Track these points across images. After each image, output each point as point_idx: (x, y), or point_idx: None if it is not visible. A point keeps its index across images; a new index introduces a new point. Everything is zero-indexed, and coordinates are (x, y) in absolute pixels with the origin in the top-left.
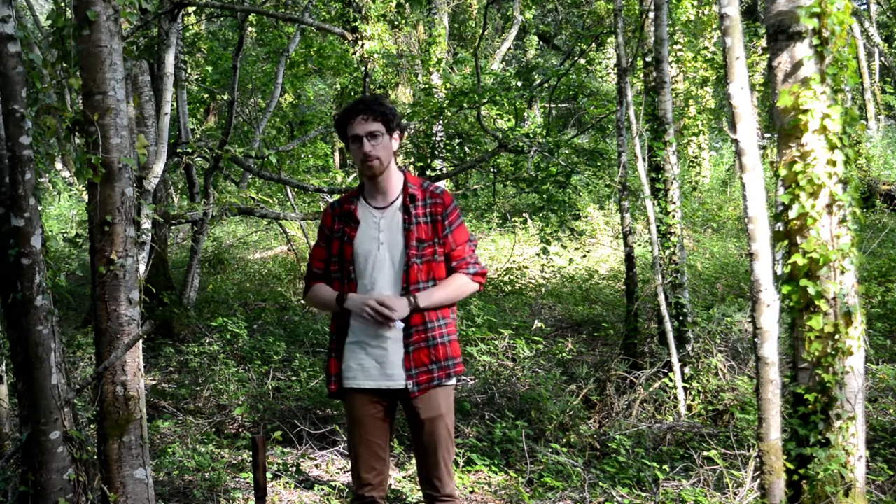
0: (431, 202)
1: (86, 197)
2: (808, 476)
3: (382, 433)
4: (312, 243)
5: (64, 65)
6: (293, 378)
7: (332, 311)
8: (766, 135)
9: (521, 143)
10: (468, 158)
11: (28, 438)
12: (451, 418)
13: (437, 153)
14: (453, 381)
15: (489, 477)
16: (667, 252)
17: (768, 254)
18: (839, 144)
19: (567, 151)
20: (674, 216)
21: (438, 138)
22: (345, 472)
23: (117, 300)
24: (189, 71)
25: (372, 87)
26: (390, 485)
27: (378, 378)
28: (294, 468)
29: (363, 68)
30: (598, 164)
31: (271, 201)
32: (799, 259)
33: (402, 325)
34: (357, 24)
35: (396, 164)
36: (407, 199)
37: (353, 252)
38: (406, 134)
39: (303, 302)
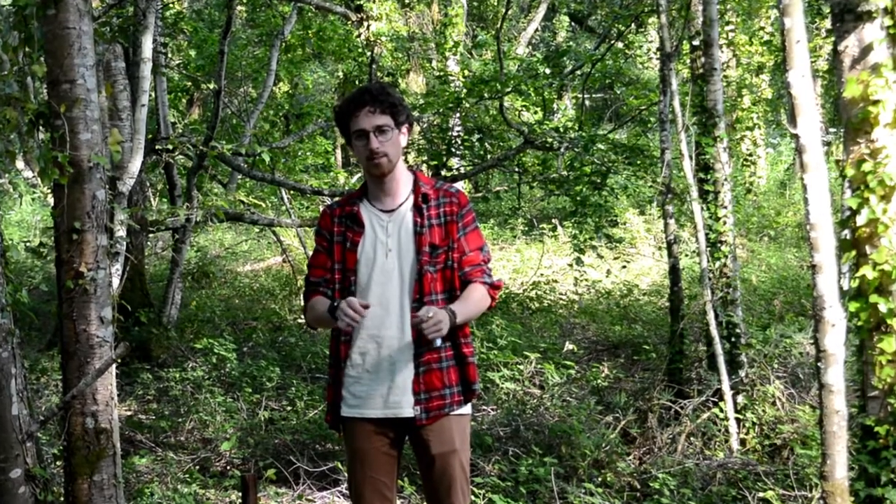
0: (445, 202)
1: (51, 200)
2: None
3: (388, 469)
4: (311, 253)
5: (27, 49)
6: (289, 408)
7: (329, 325)
8: (831, 129)
9: (549, 139)
10: (489, 156)
11: None
12: (467, 454)
13: (453, 150)
14: (468, 409)
15: None
16: (717, 264)
17: (833, 266)
18: None
19: (603, 148)
20: (725, 222)
21: (455, 133)
22: None
23: (87, 319)
24: (170, 56)
25: (379, 74)
26: None
27: (382, 406)
28: None
29: (369, 53)
30: (639, 162)
31: (264, 205)
32: (868, 272)
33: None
34: (362, 2)
35: (406, 161)
36: (419, 200)
37: (357, 260)
38: (417, 128)
39: (302, 321)
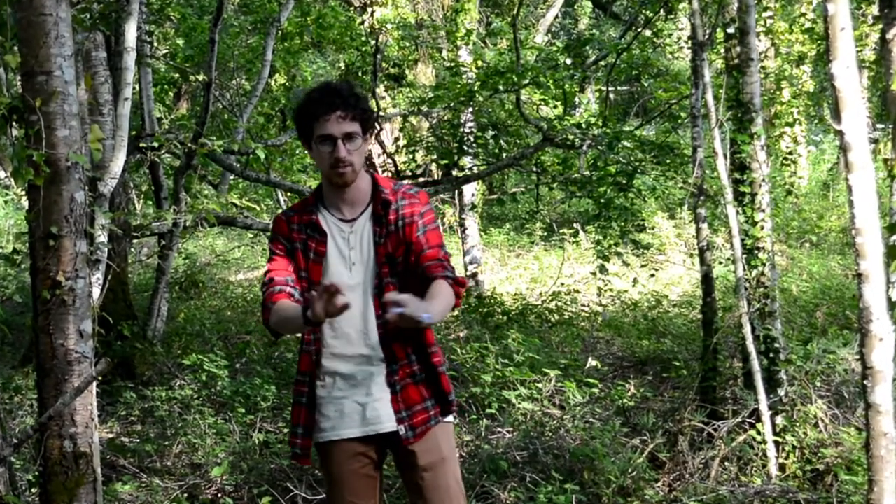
0: (404, 203)
1: (25, 203)
2: None
3: (370, 493)
4: (267, 260)
5: None
6: (285, 430)
7: (298, 328)
8: (879, 125)
9: (571, 136)
10: (505, 155)
11: None
12: (457, 465)
13: (465, 148)
14: (451, 417)
15: None
16: (754, 272)
17: (881, 275)
18: None
19: (629, 146)
20: (762, 227)
21: (468, 130)
22: None
23: (65, 333)
24: (156, 45)
25: (385, 64)
26: None
27: (360, 423)
28: None
29: (373, 42)
30: (668, 161)
31: (258, 208)
32: None
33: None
34: None
35: (413, 161)
36: (379, 207)
37: (322, 273)
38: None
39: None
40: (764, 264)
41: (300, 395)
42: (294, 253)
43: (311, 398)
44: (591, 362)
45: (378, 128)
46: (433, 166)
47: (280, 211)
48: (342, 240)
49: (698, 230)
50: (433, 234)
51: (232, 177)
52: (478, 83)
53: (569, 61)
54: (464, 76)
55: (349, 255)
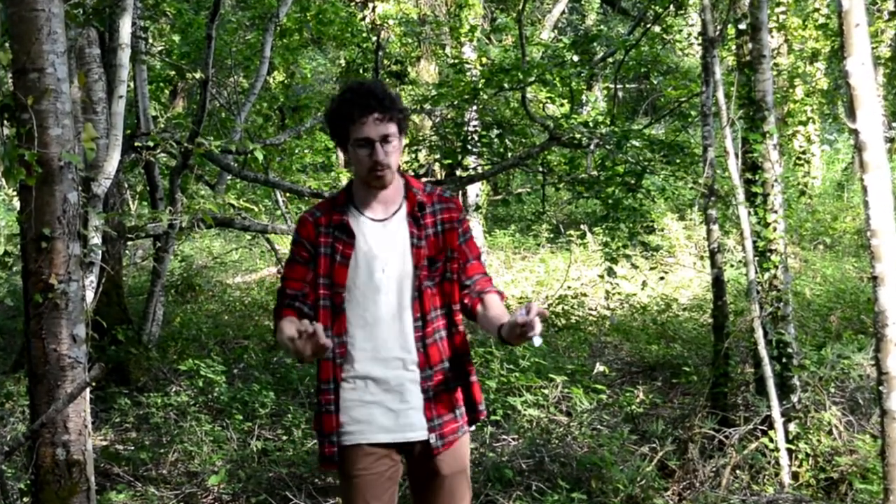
0: (442, 207)
1: (17, 204)
2: None
3: (390, 499)
4: (286, 263)
5: None
6: (284, 437)
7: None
8: (895, 124)
9: (578, 135)
10: (510, 155)
11: None
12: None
13: (469, 148)
14: (473, 427)
15: None
16: (766, 275)
17: None
18: None
19: (638, 145)
20: (775, 229)
21: (472, 128)
22: None
23: (58, 337)
24: (151, 41)
25: (386, 61)
26: None
27: (392, 429)
28: None
29: (375, 38)
30: (678, 161)
31: (256, 209)
32: None
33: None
34: None
35: (416, 161)
36: (414, 209)
37: (348, 275)
38: (429, 123)
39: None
40: (776, 267)
41: (328, 404)
42: (317, 259)
43: (338, 403)
44: (599, 367)
45: None
46: (436, 166)
47: (305, 210)
48: (373, 240)
49: (709, 232)
50: (473, 244)
51: (229, 177)
52: (482, 81)
53: (576, 58)
54: (468, 73)
55: (380, 255)
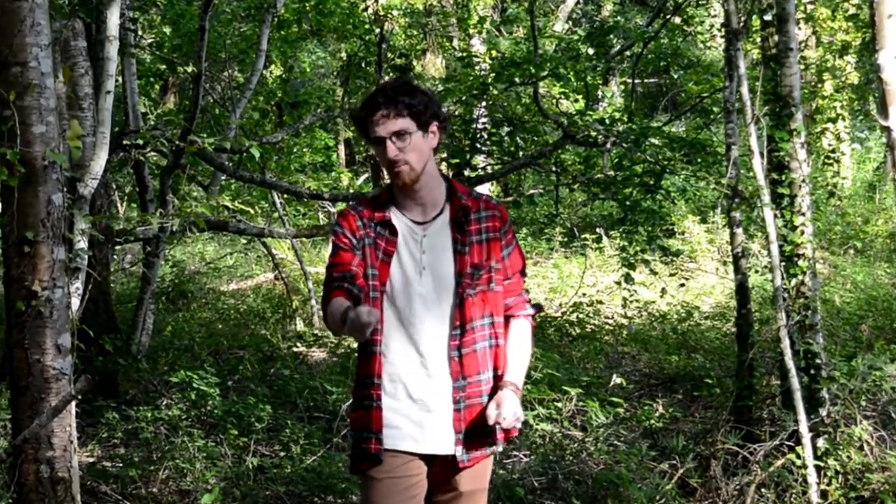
0: (487, 215)
1: None
2: None
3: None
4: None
5: None
6: (282, 454)
7: (349, 333)
8: None
9: (593, 133)
10: (521, 154)
11: None
12: None
13: (478, 146)
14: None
15: None
16: (793, 281)
17: None
18: None
19: (657, 143)
20: (803, 232)
21: (481, 126)
22: None
23: (42, 347)
24: (140, 34)
25: (390, 55)
26: None
27: (419, 440)
28: None
29: (378, 30)
30: (700, 160)
31: (252, 212)
32: None
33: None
34: None
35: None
36: (459, 213)
37: (389, 275)
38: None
39: (297, 350)
40: (804, 272)
41: (378, 399)
42: (362, 249)
43: (379, 402)
44: (616, 380)
45: None
46: (443, 166)
47: (347, 205)
48: (414, 242)
49: (732, 235)
50: (516, 258)
51: (224, 177)
52: (492, 75)
53: (591, 51)
54: (476, 67)
55: (420, 258)
